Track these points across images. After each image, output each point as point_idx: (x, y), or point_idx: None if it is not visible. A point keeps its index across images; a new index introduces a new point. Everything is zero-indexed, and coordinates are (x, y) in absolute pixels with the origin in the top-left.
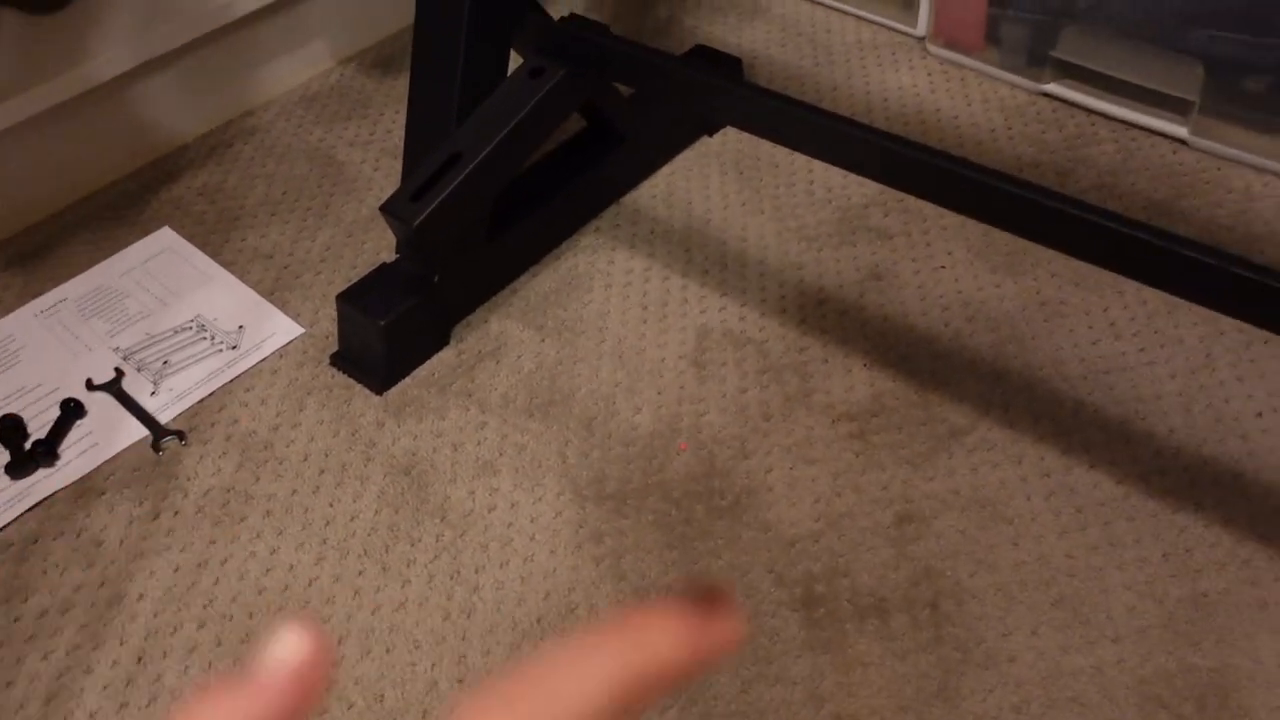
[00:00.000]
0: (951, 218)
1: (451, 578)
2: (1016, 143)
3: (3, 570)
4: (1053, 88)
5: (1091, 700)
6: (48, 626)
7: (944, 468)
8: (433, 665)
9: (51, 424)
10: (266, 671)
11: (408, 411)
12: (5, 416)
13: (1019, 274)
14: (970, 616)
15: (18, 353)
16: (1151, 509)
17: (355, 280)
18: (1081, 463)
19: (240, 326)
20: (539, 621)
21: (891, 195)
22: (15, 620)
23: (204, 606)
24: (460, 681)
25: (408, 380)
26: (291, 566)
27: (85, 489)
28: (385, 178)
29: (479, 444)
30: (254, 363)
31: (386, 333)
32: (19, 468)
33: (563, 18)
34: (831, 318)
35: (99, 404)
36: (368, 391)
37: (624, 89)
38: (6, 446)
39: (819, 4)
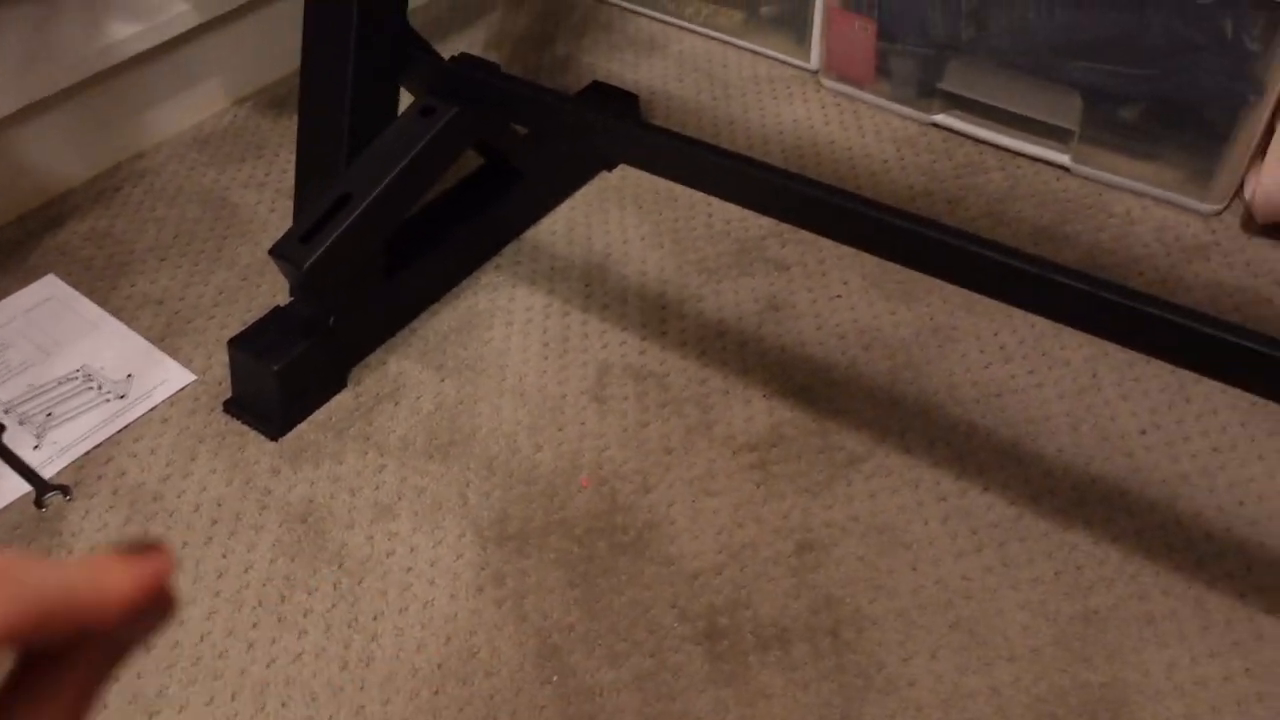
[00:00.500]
0: (847, 247)
1: (349, 626)
2: (909, 172)
3: None
4: (942, 118)
5: None
6: None
7: (843, 495)
8: (330, 718)
9: None
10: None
11: (304, 457)
12: None
13: (912, 301)
14: (871, 643)
15: None
16: (1043, 528)
17: (249, 324)
18: (976, 485)
19: (129, 375)
20: (440, 667)
21: (788, 226)
22: None
23: None
24: None
25: (303, 425)
26: (182, 622)
27: None
28: (281, 219)
29: (377, 488)
30: (143, 412)
31: (280, 377)
32: None
33: (453, 57)
34: (731, 349)
35: None
36: (262, 438)
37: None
38: None
39: (715, 39)
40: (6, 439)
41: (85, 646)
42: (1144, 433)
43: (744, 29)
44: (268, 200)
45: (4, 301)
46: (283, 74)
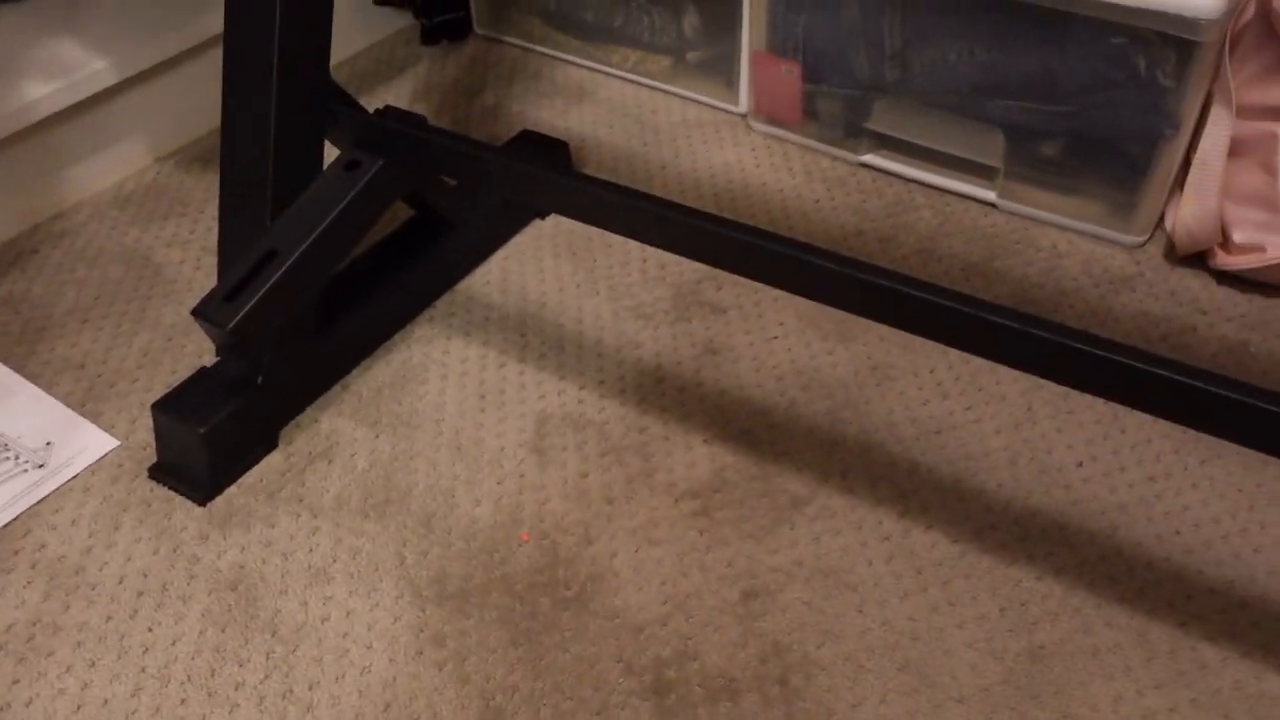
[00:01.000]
0: None
1: (284, 697)
2: (839, 212)
3: None
4: (870, 158)
5: None
6: None
7: (787, 539)
8: None
9: None
10: None
11: (234, 522)
12: None
13: (849, 340)
14: (820, 689)
15: None
16: (987, 565)
17: (174, 386)
18: (919, 523)
19: (48, 443)
20: None
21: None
22: None
23: None
24: None
25: (233, 489)
26: (106, 701)
27: None
28: (207, 277)
29: (311, 551)
30: (63, 481)
31: (207, 440)
32: None
33: (378, 110)
34: (670, 395)
35: None
36: (190, 504)
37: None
38: None
39: (644, 86)
40: None
41: None
42: (1081, 465)
43: (672, 74)
44: (192, 259)
45: None
46: (205, 130)
